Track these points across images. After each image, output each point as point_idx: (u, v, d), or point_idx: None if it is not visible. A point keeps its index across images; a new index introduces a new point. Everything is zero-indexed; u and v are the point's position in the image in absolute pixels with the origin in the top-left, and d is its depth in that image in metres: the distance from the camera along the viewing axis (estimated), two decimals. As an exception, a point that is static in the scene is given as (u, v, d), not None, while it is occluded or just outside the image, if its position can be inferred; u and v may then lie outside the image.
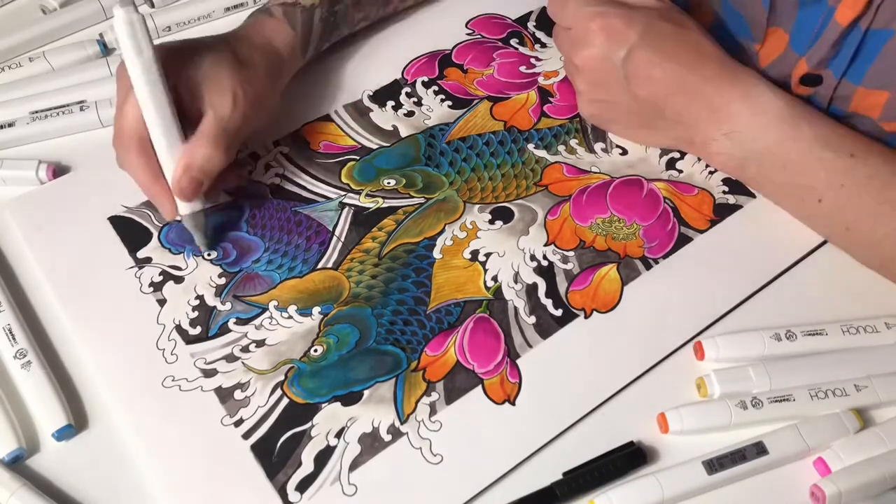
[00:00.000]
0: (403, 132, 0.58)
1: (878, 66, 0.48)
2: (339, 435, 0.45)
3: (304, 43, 0.55)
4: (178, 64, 0.47)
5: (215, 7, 0.64)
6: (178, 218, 0.50)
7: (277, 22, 0.54)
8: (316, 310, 0.49)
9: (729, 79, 0.51)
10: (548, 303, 0.50)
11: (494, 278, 0.51)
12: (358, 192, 0.55)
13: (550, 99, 0.60)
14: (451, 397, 0.46)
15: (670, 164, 0.56)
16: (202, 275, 0.51)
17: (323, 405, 0.46)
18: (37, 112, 0.57)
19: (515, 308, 0.49)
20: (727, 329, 0.49)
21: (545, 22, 0.64)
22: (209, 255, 0.51)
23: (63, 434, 0.44)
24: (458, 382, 0.46)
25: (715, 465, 0.43)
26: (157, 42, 0.45)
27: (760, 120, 0.50)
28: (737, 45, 0.56)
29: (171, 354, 0.47)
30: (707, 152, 0.54)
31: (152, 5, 0.64)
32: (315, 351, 0.48)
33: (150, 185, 0.48)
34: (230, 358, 0.47)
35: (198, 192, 0.48)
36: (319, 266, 0.51)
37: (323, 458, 0.44)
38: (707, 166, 0.56)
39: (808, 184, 0.50)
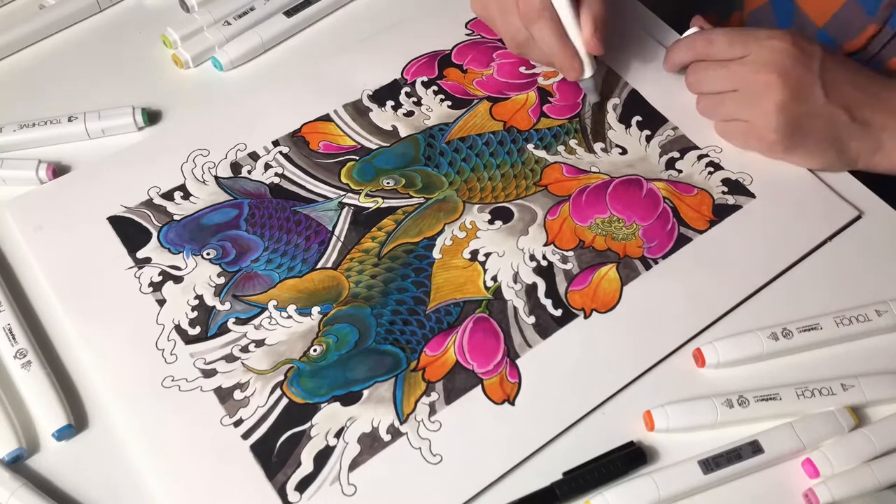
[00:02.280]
0: (403, 132, 0.58)
1: None
2: (338, 435, 0.45)
3: None
4: None
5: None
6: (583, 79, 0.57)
7: None
8: (315, 309, 0.49)
9: None
10: (547, 303, 0.50)
11: (494, 278, 0.51)
12: (357, 192, 0.55)
13: (550, 99, 0.60)
14: (450, 397, 0.46)
15: (670, 164, 0.56)
16: (201, 274, 0.51)
17: (322, 405, 0.46)
18: (24, 123, 0.56)
19: (515, 308, 0.49)
20: (726, 329, 0.49)
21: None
22: (208, 254, 0.51)
23: (63, 434, 0.44)
24: (457, 382, 0.46)
25: (710, 464, 0.43)
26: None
27: None
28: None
29: (171, 354, 0.47)
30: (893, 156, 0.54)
31: (187, 10, 0.64)
32: (314, 351, 0.48)
33: (565, 48, 0.54)
34: (230, 358, 0.47)
35: (604, 44, 0.54)
36: (319, 266, 0.51)
37: (322, 457, 0.44)
38: (707, 166, 0.56)
39: None
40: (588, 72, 0.57)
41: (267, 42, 0.62)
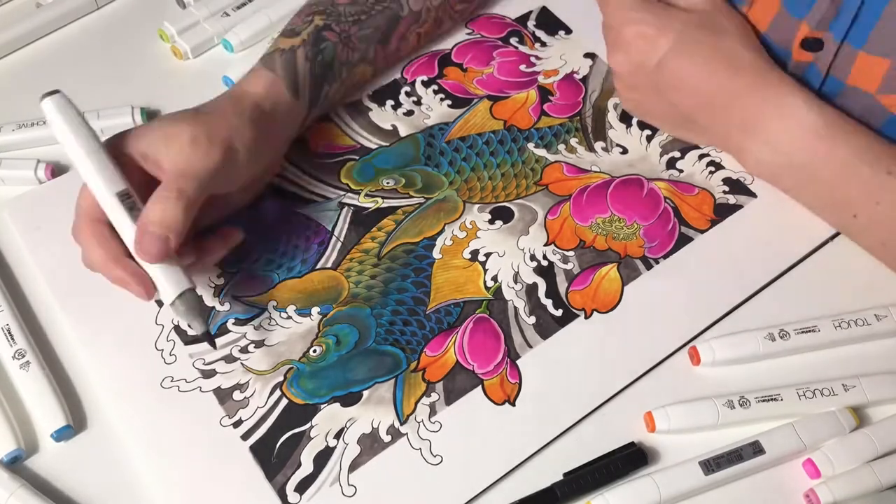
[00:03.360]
0: (403, 131, 0.58)
1: (881, 30, 0.47)
2: (338, 436, 0.45)
3: (293, 84, 0.51)
4: (128, 139, 0.45)
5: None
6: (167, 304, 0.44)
7: (256, 72, 0.51)
8: (315, 310, 0.49)
9: (761, 93, 0.50)
10: (548, 303, 0.50)
11: (494, 278, 0.51)
12: (357, 192, 0.54)
13: (550, 98, 0.60)
14: (450, 398, 0.46)
15: (671, 164, 0.56)
16: (201, 275, 0.50)
17: (322, 406, 0.46)
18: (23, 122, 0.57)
19: (515, 308, 0.49)
20: (727, 329, 0.49)
21: (545, 21, 0.64)
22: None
23: (62, 434, 0.44)
24: (457, 383, 0.46)
25: (711, 465, 0.43)
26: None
27: (793, 136, 0.49)
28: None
29: (170, 355, 0.47)
30: (740, 160, 0.54)
31: (183, 6, 0.64)
32: (314, 351, 0.47)
33: (107, 263, 0.43)
34: (229, 358, 0.47)
35: (165, 252, 0.42)
36: (318, 266, 0.51)
37: (322, 458, 0.44)
38: (708, 165, 0.56)
39: (843, 199, 0.49)
40: (169, 293, 0.43)
41: (276, 22, 0.62)
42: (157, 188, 0.44)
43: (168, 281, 0.43)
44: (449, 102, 0.59)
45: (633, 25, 0.51)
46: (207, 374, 0.46)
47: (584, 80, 0.60)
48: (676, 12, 0.51)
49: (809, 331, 0.47)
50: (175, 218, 0.43)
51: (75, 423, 0.45)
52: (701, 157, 0.56)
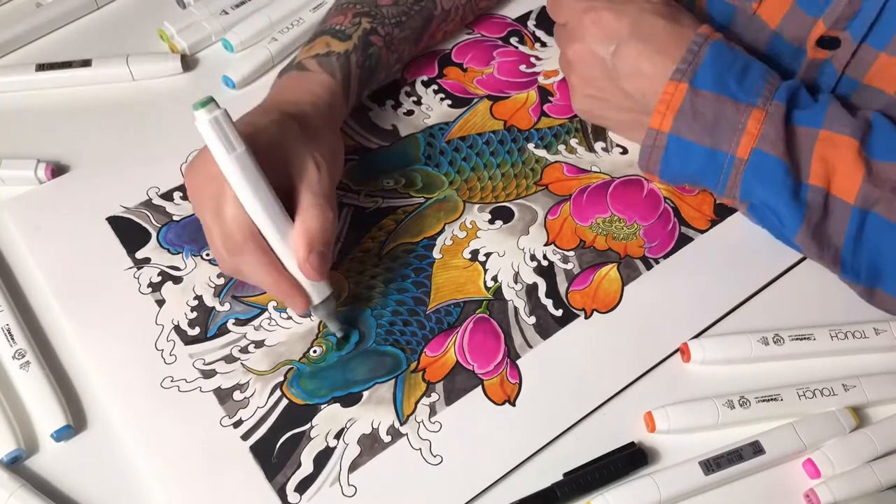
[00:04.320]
0: (403, 131, 0.58)
1: None
2: (338, 436, 0.44)
3: (346, 89, 0.52)
4: (258, 154, 0.43)
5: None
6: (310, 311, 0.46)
7: (316, 75, 0.51)
8: (313, 318, 0.49)
9: None
10: (548, 303, 0.50)
11: (494, 278, 0.51)
12: (357, 192, 0.54)
13: (550, 98, 0.60)
14: (450, 398, 0.46)
15: (671, 164, 0.56)
16: (201, 275, 0.50)
17: (322, 406, 0.46)
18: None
19: (515, 308, 0.49)
20: (727, 329, 0.49)
21: (545, 21, 0.64)
22: (207, 255, 0.51)
23: (62, 435, 0.44)
24: (457, 383, 0.46)
25: (711, 465, 0.43)
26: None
27: None
28: (731, 7, 0.56)
29: (170, 355, 0.47)
30: None
31: (183, 6, 0.64)
32: (314, 352, 0.47)
33: (278, 282, 0.44)
34: (229, 359, 0.47)
35: (328, 266, 0.44)
36: (319, 266, 0.51)
37: (322, 459, 0.44)
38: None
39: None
40: (316, 298, 0.45)
41: (275, 22, 0.62)
42: (304, 202, 0.43)
43: (313, 287, 0.45)
44: (449, 102, 0.59)
45: (591, 13, 0.51)
46: (207, 375, 0.46)
47: (585, 80, 0.60)
48: (632, 1, 0.51)
49: (804, 338, 0.47)
50: (332, 232, 0.44)
51: (75, 423, 0.45)
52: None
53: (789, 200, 0.47)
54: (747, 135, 0.47)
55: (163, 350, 0.47)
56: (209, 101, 0.39)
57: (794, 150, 0.47)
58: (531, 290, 0.50)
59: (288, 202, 0.43)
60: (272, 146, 0.44)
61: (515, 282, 0.50)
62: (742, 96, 0.47)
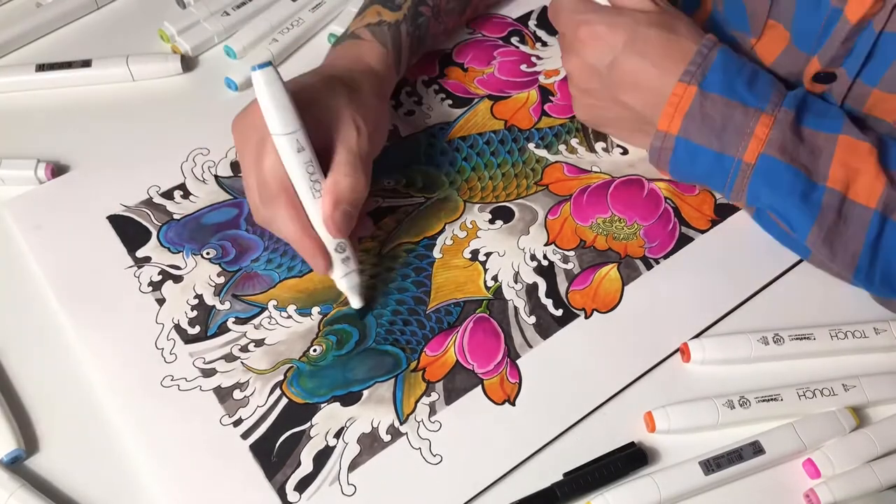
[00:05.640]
0: (403, 131, 0.58)
1: (894, 72, 0.48)
2: (338, 435, 0.44)
3: (397, 59, 0.54)
4: (301, 109, 0.44)
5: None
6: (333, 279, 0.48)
7: (369, 44, 0.52)
8: (315, 309, 0.49)
9: None
10: (548, 303, 0.50)
11: (494, 278, 0.51)
12: (358, 192, 0.54)
13: (551, 98, 0.60)
14: (450, 397, 0.46)
15: (671, 164, 0.56)
16: (201, 274, 0.50)
17: (322, 405, 0.46)
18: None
19: (515, 308, 0.49)
20: (727, 329, 0.49)
21: (546, 20, 0.64)
22: (208, 254, 0.51)
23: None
24: (457, 382, 0.46)
25: (712, 465, 0.43)
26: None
27: None
28: (732, 39, 0.56)
29: (170, 354, 0.47)
30: None
31: (183, 6, 0.64)
32: (314, 351, 0.47)
33: (303, 238, 0.45)
34: (229, 357, 0.47)
35: (351, 226, 0.45)
36: (319, 265, 0.51)
37: (322, 458, 0.44)
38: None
39: None
40: (338, 271, 0.46)
41: (276, 26, 0.62)
42: (338, 159, 0.45)
43: (338, 261, 0.46)
44: (450, 102, 0.59)
45: (586, 27, 0.50)
46: (207, 373, 0.46)
47: (585, 80, 0.60)
48: (628, 12, 0.51)
49: (804, 338, 0.47)
50: (361, 194, 0.45)
51: (75, 422, 0.45)
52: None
53: (799, 203, 0.47)
54: (755, 139, 0.47)
55: (163, 349, 0.47)
56: (268, 65, 0.41)
57: (807, 155, 0.47)
58: (531, 289, 0.50)
59: (325, 163, 0.45)
60: (316, 104, 0.45)
61: (515, 281, 0.50)
62: (751, 101, 0.47)
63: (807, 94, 0.49)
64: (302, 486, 0.43)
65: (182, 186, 0.54)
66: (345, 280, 0.47)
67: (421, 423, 0.45)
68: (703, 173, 0.50)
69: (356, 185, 0.45)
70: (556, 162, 0.56)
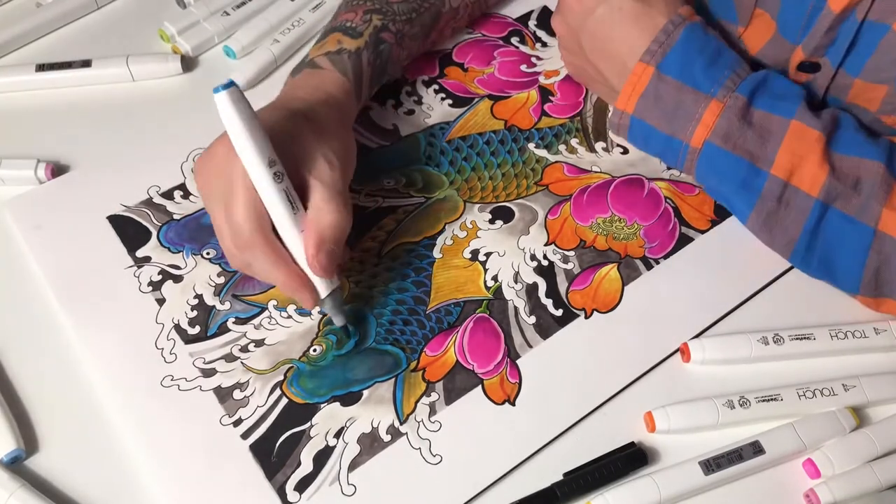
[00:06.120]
0: (404, 131, 0.58)
1: (876, 60, 0.48)
2: (338, 435, 0.44)
3: (357, 88, 0.52)
4: (298, 144, 0.44)
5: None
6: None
7: (329, 73, 0.51)
8: (315, 309, 0.49)
9: None
10: (548, 303, 0.50)
11: (494, 278, 0.51)
12: (357, 192, 0.54)
13: (551, 98, 0.60)
14: (450, 397, 0.46)
15: (671, 164, 0.56)
16: (201, 274, 0.50)
17: (322, 405, 0.45)
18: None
19: (515, 308, 0.49)
20: (727, 329, 0.49)
21: (546, 21, 0.64)
22: (208, 254, 0.51)
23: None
24: (457, 382, 0.46)
25: (711, 465, 0.43)
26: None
27: None
28: (720, 28, 0.56)
29: (170, 354, 0.47)
30: None
31: (184, 6, 0.64)
32: (314, 351, 0.47)
33: (287, 279, 0.43)
34: (229, 357, 0.47)
35: (335, 264, 0.44)
36: (319, 265, 0.51)
37: (322, 458, 0.44)
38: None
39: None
40: (322, 291, 0.45)
41: (276, 26, 0.62)
42: (316, 198, 0.43)
43: (320, 281, 0.44)
44: (450, 102, 0.59)
45: None
46: (207, 373, 0.46)
47: (585, 79, 0.60)
48: None
49: (804, 338, 0.48)
50: (344, 231, 0.44)
51: (75, 422, 0.45)
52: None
53: (739, 190, 0.49)
54: (702, 126, 0.48)
55: (163, 349, 0.47)
56: (230, 84, 0.39)
57: (755, 140, 0.48)
58: (531, 289, 0.50)
59: (301, 201, 0.43)
60: (284, 142, 0.43)
61: (515, 281, 0.50)
62: (704, 86, 0.48)
63: (769, 73, 0.50)
64: (302, 486, 0.43)
65: (182, 186, 0.54)
66: (328, 300, 0.45)
67: (421, 423, 0.45)
68: (656, 152, 0.52)
69: (338, 221, 0.43)
70: (556, 162, 0.56)
